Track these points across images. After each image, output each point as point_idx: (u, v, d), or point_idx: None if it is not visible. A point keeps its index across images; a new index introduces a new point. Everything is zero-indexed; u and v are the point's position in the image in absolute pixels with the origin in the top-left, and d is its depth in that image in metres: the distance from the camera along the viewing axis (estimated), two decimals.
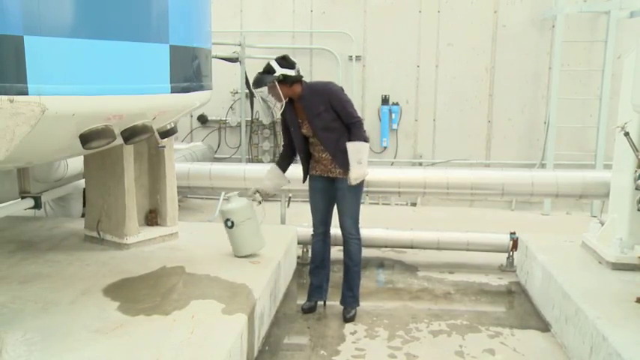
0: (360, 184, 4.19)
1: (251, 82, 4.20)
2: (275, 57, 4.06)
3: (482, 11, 8.29)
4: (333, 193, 4.29)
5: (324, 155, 4.21)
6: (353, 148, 4.06)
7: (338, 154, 4.11)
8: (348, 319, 4.32)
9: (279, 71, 3.97)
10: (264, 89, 4.03)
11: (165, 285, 3.80)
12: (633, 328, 3.25)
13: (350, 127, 4.10)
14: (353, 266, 4.35)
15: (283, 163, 4.42)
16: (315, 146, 4.23)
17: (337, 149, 4.10)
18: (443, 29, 8.41)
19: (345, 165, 4.10)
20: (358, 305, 4.43)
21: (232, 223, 4.30)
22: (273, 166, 4.47)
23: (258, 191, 4.38)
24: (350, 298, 4.39)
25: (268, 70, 4.01)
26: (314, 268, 4.52)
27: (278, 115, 4.16)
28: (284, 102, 4.02)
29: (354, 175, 4.05)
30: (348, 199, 4.24)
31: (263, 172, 4.61)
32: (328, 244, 4.52)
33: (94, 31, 2.94)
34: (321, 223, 4.43)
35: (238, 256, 4.40)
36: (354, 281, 4.38)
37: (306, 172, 4.36)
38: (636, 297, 3.66)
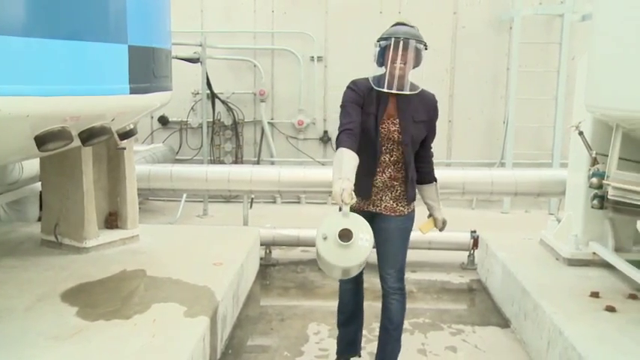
0: (411, 226, 3.34)
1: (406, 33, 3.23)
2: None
3: (442, 12, 8.39)
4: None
5: (381, 178, 3.18)
6: (437, 188, 3.43)
7: (409, 181, 3.21)
8: None
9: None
10: (422, 46, 3.20)
11: (126, 289, 3.74)
12: (588, 321, 3.34)
13: (427, 157, 3.34)
14: (392, 330, 3.30)
15: (354, 146, 2.98)
16: (381, 161, 3.18)
17: (412, 173, 3.24)
18: None
19: (411, 197, 3.26)
20: None
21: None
22: (349, 154, 2.90)
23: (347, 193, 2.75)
24: None
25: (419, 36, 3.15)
26: (344, 319, 3.55)
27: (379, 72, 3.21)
28: (405, 72, 3.20)
29: (442, 218, 3.39)
30: (397, 243, 3.25)
31: (345, 165, 2.87)
32: (361, 291, 3.57)
33: (48, 30, 2.87)
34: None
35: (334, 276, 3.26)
36: (393, 352, 3.34)
37: (368, 186, 3.17)
38: (590, 292, 3.77)
